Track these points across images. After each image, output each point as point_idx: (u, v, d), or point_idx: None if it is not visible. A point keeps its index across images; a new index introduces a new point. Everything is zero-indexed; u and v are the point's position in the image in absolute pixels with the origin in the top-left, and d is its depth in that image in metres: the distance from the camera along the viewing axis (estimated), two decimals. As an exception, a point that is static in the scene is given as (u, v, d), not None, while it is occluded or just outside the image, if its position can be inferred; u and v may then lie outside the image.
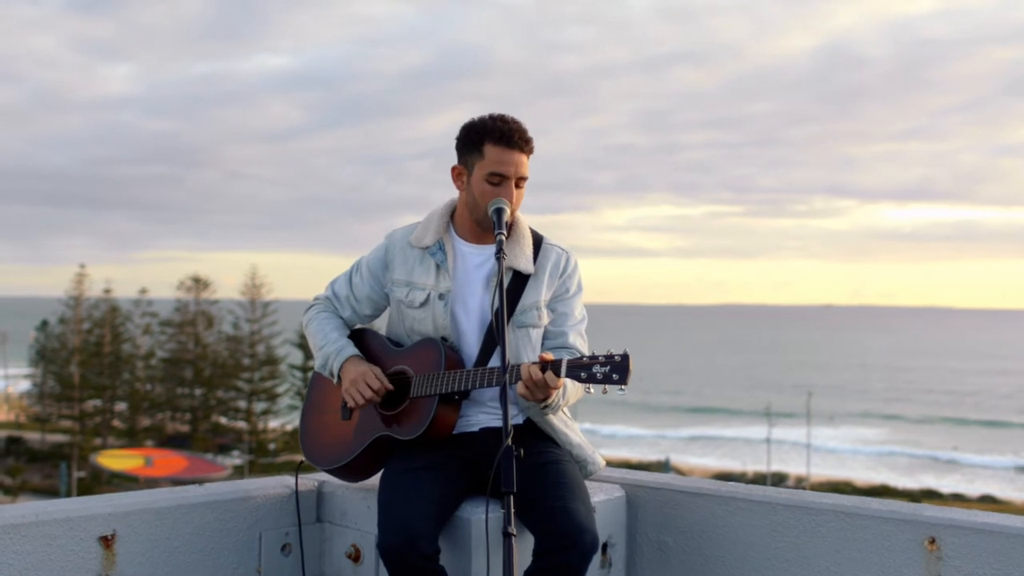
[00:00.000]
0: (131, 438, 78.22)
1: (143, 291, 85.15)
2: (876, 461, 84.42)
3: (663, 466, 74.50)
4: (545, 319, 3.94)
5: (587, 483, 3.94)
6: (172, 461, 64.53)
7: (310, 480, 4.22)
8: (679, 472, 74.22)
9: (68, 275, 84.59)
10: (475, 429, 3.87)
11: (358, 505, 4.03)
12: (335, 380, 3.95)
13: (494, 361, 3.81)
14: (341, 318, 4.11)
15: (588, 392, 3.49)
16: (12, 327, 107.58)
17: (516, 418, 3.91)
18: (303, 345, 79.06)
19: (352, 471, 3.98)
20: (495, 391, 3.80)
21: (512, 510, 3.09)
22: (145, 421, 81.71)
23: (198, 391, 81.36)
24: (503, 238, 3.64)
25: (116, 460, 66.40)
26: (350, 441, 3.92)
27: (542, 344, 3.96)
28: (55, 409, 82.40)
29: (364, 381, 3.81)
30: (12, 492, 63.64)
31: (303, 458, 4.13)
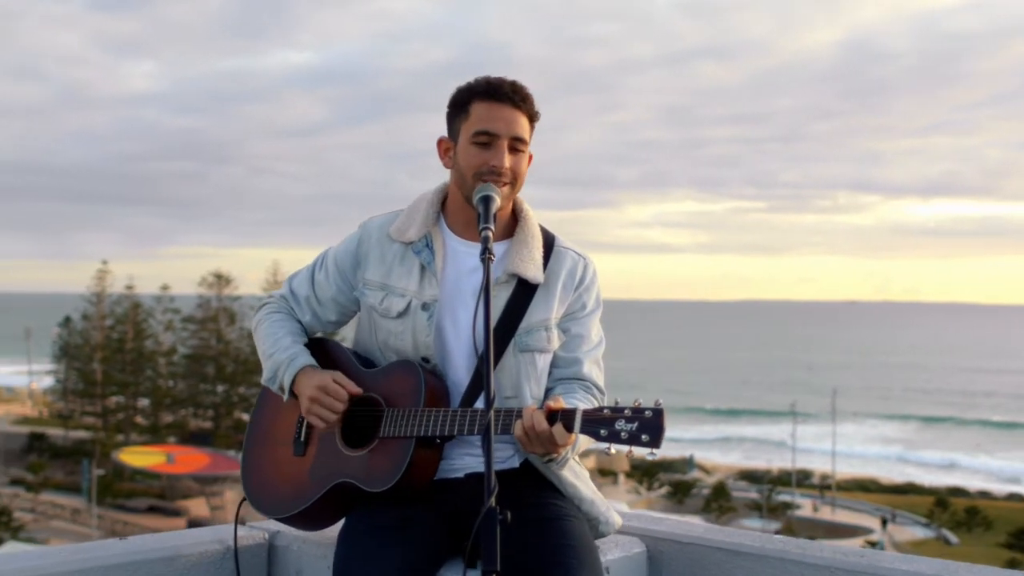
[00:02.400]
0: (153, 435, 78.15)
1: (165, 287, 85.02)
2: (901, 459, 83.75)
3: (687, 464, 73.76)
4: (555, 342, 3.15)
5: (599, 541, 3.19)
6: (194, 458, 64.15)
7: (259, 531, 3.42)
8: (703, 469, 73.58)
9: (92, 271, 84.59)
10: (459, 475, 3.09)
11: (317, 564, 3.24)
12: (285, 396, 3.16)
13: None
14: (299, 322, 3.32)
15: (607, 453, 2.68)
16: (37, 323, 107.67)
17: (511, 460, 3.14)
18: (326, 342, 78.72)
19: (307, 521, 3.19)
20: None
21: None
22: (167, 418, 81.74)
23: (220, 388, 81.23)
24: (489, 233, 2.82)
25: (138, 457, 66.10)
26: (305, 484, 3.12)
27: (549, 374, 3.18)
28: (78, 405, 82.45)
29: (328, 394, 3.01)
30: (35, 488, 63.39)
31: (244, 499, 3.29)
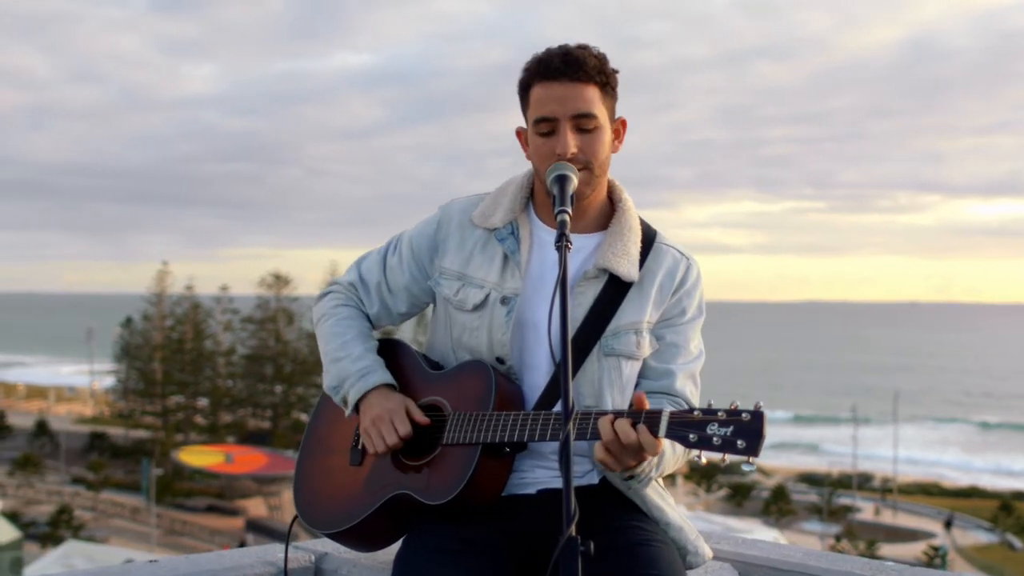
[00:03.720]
0: (212, 434, 78.91)
1: (224, 288, 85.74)
2: (964, 463, 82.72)
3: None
4: (647, 349, 2.78)
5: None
6: (252, 458, 64.56)
7: (305, 552, 3.10)
8: (762, 472, 72.86)
9: (152, 272, 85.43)
10: (531, 491, 2.73)
11: (369, 588, 2.90)
12: (347, 411, 2.83)
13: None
14: (366, 316, 2.98)
15: (699, 462, 2.35)
16: (98, 324, 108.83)
17: (590, 475, 2.78)
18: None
19: (360, 538, 2.85)
20: None
21: None
22: (226, 418, 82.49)
23: (278, 388, 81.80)
24: (566, 217, 2.47)
25: (197, 456, 66.66)
26: (359, 497, 2.78)
27: (636, 384, 2.81)
28: (138, 405, 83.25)
29: (391, 421, 2.69)
30: (95, 487, 63.97)
31: (297, 516, 2.94)
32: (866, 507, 64.98)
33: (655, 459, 2.50)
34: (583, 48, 2.71)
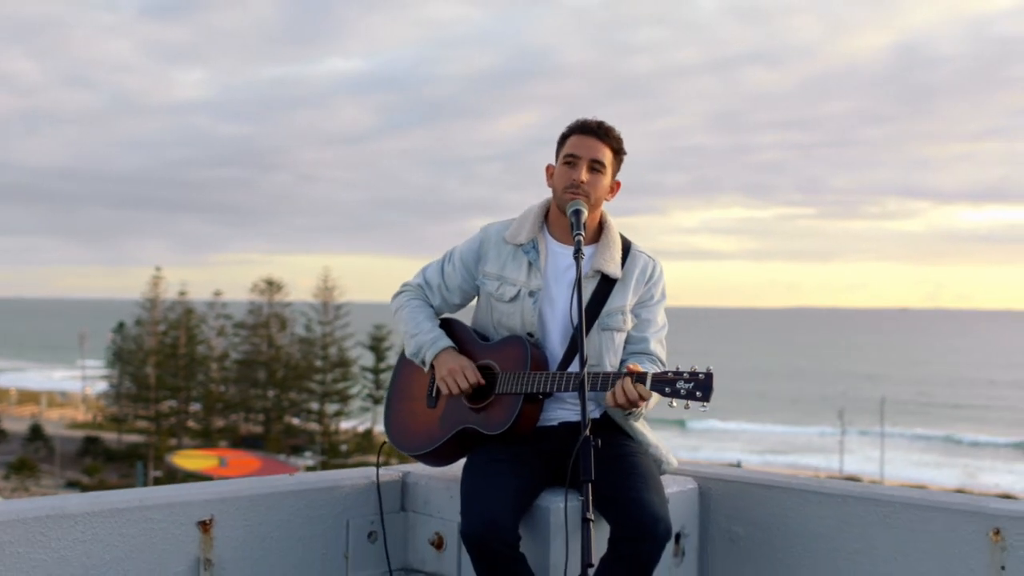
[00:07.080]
0: (205, 439, 79.05)
1: (217, 293, 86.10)
2: (950, 468, 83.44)
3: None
4: (629, 324, 4.09)
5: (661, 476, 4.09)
6: (246, 462, 65.23)
7: (395, 471, 4.41)
8: (750, 476, 73.82)
9: (145, 277, 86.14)
10: (554, 424, 4.01)
11: (440, 495, 4.23)
12: (426, 368, 4.12)
13: (577, 363, 3.93)
14: (431, 306, 4.25)
15: (671, 406, 3.63)
16: (91, 328, 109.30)
17: (593, 412, 4.03)
18: (375, 347, 79.80)
19: (437, 457, 4.15)
20: None
21: (590, 497, 3.24)
22: (219, 422, 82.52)
23: (271, 393, 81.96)
24: (581, 238, 3.81)
25: (191, 460, 67.30)
26: (436, 429, 4.08)
27: (623, 348, 4.10)
28: (131, 409, 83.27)
29: (462, 373, 3.96)
30: (90, 491, 64.53)
31: (385, 442, 4.31)
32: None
33: (646, 403, 3.76)
34: (610, 125, 4.06)
